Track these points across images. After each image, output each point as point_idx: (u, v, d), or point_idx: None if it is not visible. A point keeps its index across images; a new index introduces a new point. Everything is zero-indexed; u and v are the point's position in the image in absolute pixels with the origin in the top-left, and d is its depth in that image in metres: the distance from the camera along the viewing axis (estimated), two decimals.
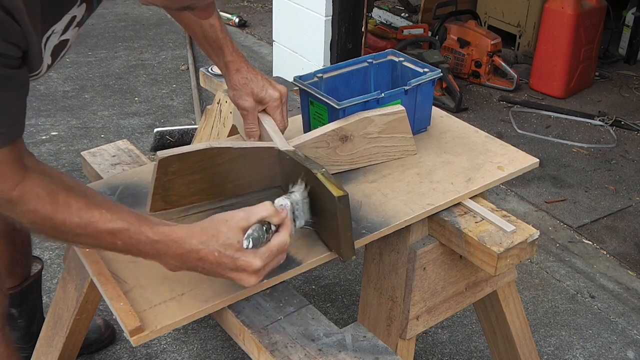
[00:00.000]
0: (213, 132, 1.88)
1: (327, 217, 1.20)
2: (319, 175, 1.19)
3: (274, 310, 1.15)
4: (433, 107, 1.62)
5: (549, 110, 3.76)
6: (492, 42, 3.92)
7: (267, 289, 1.19)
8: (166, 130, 3.05)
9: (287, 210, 1.14)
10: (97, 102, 3.58)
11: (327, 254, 1.23)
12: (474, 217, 1.37)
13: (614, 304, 2.37)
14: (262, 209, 1.08)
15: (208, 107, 1.91)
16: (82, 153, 1.68)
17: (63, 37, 1.14)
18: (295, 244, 1.25)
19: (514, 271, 1.59)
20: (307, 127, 1.56)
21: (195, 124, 3.24)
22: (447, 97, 3.71)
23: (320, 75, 1.55)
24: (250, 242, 1.06)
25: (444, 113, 1.72)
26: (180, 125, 3.17)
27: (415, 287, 1.38)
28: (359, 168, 1.47)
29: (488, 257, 1.29)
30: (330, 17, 3.27)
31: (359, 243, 1.26)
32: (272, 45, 3.84)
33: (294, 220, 1.18)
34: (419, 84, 1.52)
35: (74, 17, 1.13)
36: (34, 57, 1.03)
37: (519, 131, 3.53)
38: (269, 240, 1.08)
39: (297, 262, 1.21)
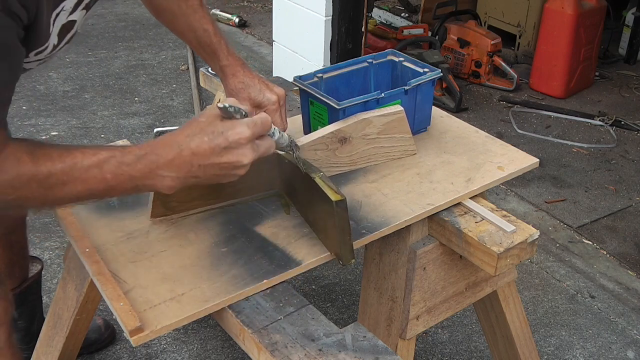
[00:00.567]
0: None
1: (326, 220, 1.20)
2: (317, 180, 1.19)
3: (274, 310, 1.15)
4: (433, 107, 1.62)
5: (549, 110, 3.76)
6: (492, 42, 3.92)
7: (267, 289, 1.19)
8: (166, 130, 3.04)
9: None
10: (97, 102, 3.58)
11: (327, 254, 1.23)
12: (474, 217, 1.37)
13: (614, 304, 2.37)
14: (231, 100, 1.07)
15: (208, 107, 1.90)
16: None
17: (71, 17, 1.14)
18: (296, 244, 1.25)
19: (514, 271, 1.60)
20: (307, 127, 1.56)
21: None
22: (447, 97, 3.71)
23: (320, 75, 1.55)
24: (230, 108, 1.02)
25: (444, 113, 1.72)
26: (180, 125, 3.17)
27: (415, 287, 1.38)
28: (358, 168, 1.47)
29: (488, 257, 1.29)
30: (330, 17, 3.27)
31: (358, 243, 1.26)
32: (272, 45, 3.84)
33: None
34: (419, 84, 1.52)
35: None
36: (42, 30, 1.01)
37: (519, 131, 3.53)
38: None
39: (297, 262, 1.21)
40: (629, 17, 4.46)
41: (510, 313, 1.66)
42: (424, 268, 1.38)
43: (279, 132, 1.17)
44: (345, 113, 1.43)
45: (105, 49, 4.26)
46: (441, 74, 1.59)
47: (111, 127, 3.35)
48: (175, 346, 2.09)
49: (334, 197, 1.15)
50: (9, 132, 1.04)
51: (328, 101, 1.44)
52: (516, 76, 3.95)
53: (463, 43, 4.03)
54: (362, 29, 3.33)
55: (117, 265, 1.19)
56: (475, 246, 1.31)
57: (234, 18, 4.81)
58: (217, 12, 4.92)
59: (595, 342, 2.21)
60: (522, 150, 1.56)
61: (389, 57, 1.64)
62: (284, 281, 1.20)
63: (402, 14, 4.82)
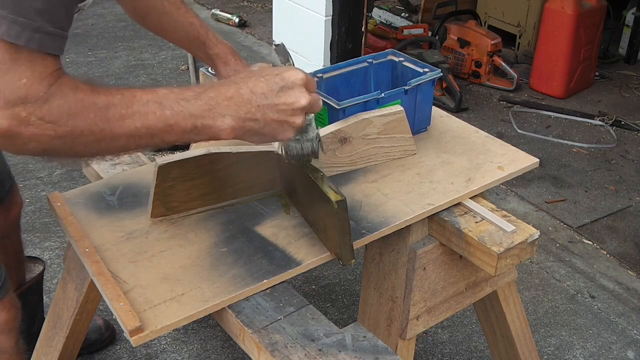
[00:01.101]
0: None
1: (326, 221, 1.20)
2: (317, 180, 1.19)
3: (274, 310, 1.15)
4: (433, 107, 1.62)
5: (549, 110, 3.76)
6: (492, 42, 3.92)
7: (267, 289, 1.19)
8: None
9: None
10: None
11: (327, 254, 1.23)
12: (474, 217, 1.37)
13: (614, 304, 2.37)
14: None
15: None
16: None
17: None
18: (296, 244, 1.25)
19: (514, 271, 1.59)
20: None
21: None
22: (447, 97, 3.71)
23: (320, 75, 1.55)
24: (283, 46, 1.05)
25: (444, 113, 1.72)
26: None
27: (415, 287, 1.38)
28: (358, 168, 1.47)
29: (488, 257, 1.29)
30: (330, 17, 3.27)
31: (358, 243, 1.26)
32: (272, 45, 3.84)
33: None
34: (419, 84, 1.52)
35: None
36: None
37: (519, 131, 3.53)
38: None
39: (297, 262, 1.21)
40: (629, 17, 4.46)
41: (510, 313, 1.66)
42: (424, 268, 1.38)
43: (313, 116, 1.16)
44: (345, 113, 1.43)
45: (105, 49, 4.26)
46: (441, 74, 1.59)
47: None
48: (175, 346, 2.09)
49: (334, 197, 1.15)
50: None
51: (328, 101, 1.44)
52: (516, 76, 3.95)
53: (463, 43, 4.03)
54: (362, 29, 3.33)
55: (117, 265, 1.19)
56: (475, 246, 1.31)
57: (234, 18, 4.81)
58: (217, 12, 4.92)
59: (595, 342, 2.21)
60: (522, 150, 1.56)
61: (389, 57, 1.64)
62: (284, 281, 1.20)
63: (402, 14, 4.82)
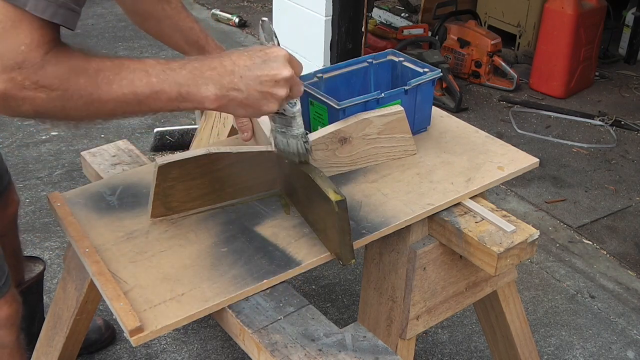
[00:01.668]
0: (213, 132, 1.87)
1: (326, 221, 1.20)
2: (317, 180, 1.19)
3: (274, 310, 1.15)
4: (433, 107, 1.62)
5: (549, 110, 3.76)
6: (492, 42, 3.92)
7: (267, 289, 1.19)
8: (166, 130, 3.06)
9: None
10: None
11: (327, 254, 1.23)
12: (474, 217, 1.37)
13: (614, 304, 2.37)
14: None
15: None
16: (82, 153, 1.68)
17: None
18: (296, 244, 1.25)
19: (514, 271, 1.60)
20: (307, 128, 1.56)
21: (195, 124, 3.24)
22: (447, 97, 3.71)
23: (320, 75, 1.55)
24: (269, 23, 1.12)
25: (444, 113, 1.72)
26: (180, 125, 3.17)
27: (415, 287, 1.38)
28: (358, 168, 1.47)
29: (488, 257, 1.29)
30: (330, 17, 3.27)
31: (358, 243, 1.26)
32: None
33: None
34: (419, 84, 1.52)
35: None
36: None
37: (519, 131, 3.53)
38: None
39: (297, 262, 1.21)
40: (629, 17, 4.46)
41: (510, 313, 1.66)
42: (424, 268, 1.38)
43: (299, 107, 1.19)
44: (345, 113, 1.43)
45: (105, 49, 4.26)
46: (441, 74, 1.59)
47: (111, 127, 3.35)
48: (175, 346, 2.09)
49: (334, 197, 1.15)
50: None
51: (328, 101, 1.44)
52: (516, 76, 3.95)
53: (463, 43, 4.03)
54: (362, 29, 3.33)
55: (117, 265, 1.19)
56: (475, 246, 1.31)
57: (234, 18, 4.81)
58: (217, 12, 4.92)
59: (595, 342, 2.21)
60: (522, 150, 1.56)
61: (389, 57, 1.64)
62: (284, 281, 1.20)
63: (402, 14, 4.82)
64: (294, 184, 1.33)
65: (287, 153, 1.25)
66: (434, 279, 1.41)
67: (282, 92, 1.09)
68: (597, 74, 4.21)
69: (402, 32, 4.08)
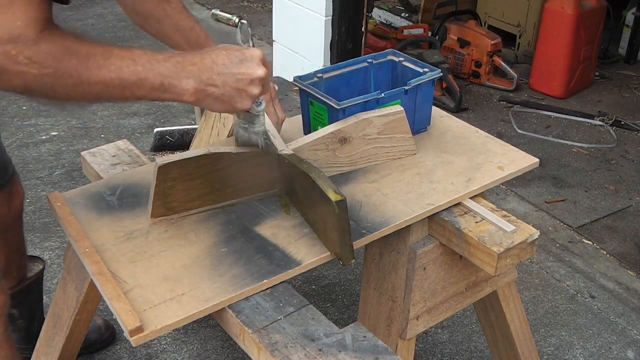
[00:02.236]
0: (213, 132, 1.87)
1: (326, 221, 1.20)
2: (317, 180, 1.19)
3: (274, 310, 1.15)
4: (433, 107, 1.62)
5: (549, 110, 3.76)
6: (492, 42, 3.92)
7: (267, 289, 1.19)
8: (166, 130, 3.05)
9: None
10: None
11: (327, 254, 1.23)
12: (474, 217, 1.37)
13: (614, 304, 2.37)
14: None
15: None
16: (82, 153, 1.68)
17: None
18: (296, 244, 1.25)
19: (514, 271, 1.60)
20: (307, 128, 1.56)
21: (195, 124, 3.24)
22: (447, 97, 3.71)
23: (320, 75, 1.55)
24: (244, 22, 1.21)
25: (444, 113, 1.72)
26: (180, 125, 3.17)
27: (415, 287, 1.38)
28: (358, 168, 1.47)
29: (488, 257, 1.29)
30: (330, 17, 3.27)
31: (358, 243, 1.26)
32: (272, 45, 3.84)
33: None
34: (419, 84, 1.52)
35: None
36: None
37: (519, 131, 3.53)
38: None
39: (297, 262, 1.21)
40: (629, 17, 4.46)
41: (510, 313, 1.66)
42: (424, 268, 1.38)
43: (264, 107, 1.26)
44: (345, 113, 1.43)
45: None
46: (441, 74, 1.59)
47: (111, 127, 3.35)
48: (175, 346, 2.09)
49: (334, 197, 1.15)
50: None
51: (328, 101, 1.44)
52: (516, 76, 3.95)
53: (463, 43, 4.03)
54: (362, 29, 3.33)
55: (117, 265, 1.19)
56: (475, 246, 1.31)
57: (234, 18, 4.81)
58: (217, 12, 4.92)
59: (595, 342, 2.21)
60: (522, 150, 1.56)
61: (389, 57, 1.64)
62: (284, 281, 1.20)
63: (402, 14, 4.82)
64: (294, 184, 1.33)
65: (249, 145, 1.32)
66: (434, 279, 1.41)
67: (255, 90, 1.16)
68: (597, 74, 4.21)
69: (402, 32, 4.08)
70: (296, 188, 1.32)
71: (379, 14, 4.62)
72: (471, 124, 1.67)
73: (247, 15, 5.02)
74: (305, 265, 1.21)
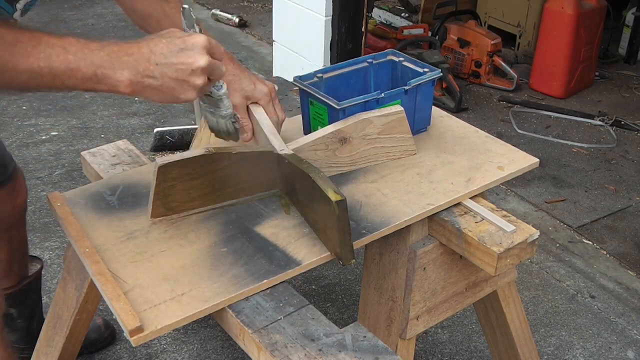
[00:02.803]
0: None
1: (326, 221, 1.20)
2: (317, 180, 1.19)
3: (274, 310, 1.15)
4: (433, 107, 1.62)
5: (549, 110, 3.76)
6: (492, 42, 3.92)
7: (267, 289, 1.19)
8: (166, 130, 3.05)
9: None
10: (97, 102, 3.58)
11: (327, 254, 1.23)
12: (474, 217, 1.37)
13: (614, 304, 2.37)
14: None
15: None
16: (82, 153, 1.68)
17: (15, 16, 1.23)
18: (296, 244, 1.25)
19: (514, 271, 1.60)
20: (307, 128, 1.56)
21: (195, 124, 3.24)
22: (447, 97, 3.71)
23: (320, 75, 1.55)
24: (190, 11, 1.13)
25: (444, 113, 1.72)
26: (180, 125, 3.17)
27: (415, 287, 1.38)
28: (358, 168, 1.47)
29: (488, 257, 1.29)
30: (330, 17, 3.27)
31: (358, 243, 1.26)
32: (272, 45, 3.84)
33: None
34: (419, 84, 1.52)
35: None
36: None
37: (519, 131, 3.53)
38: None
39: (297, 262, 1.21)
40: (629, 17, 4.46)
41: (510, 313, 1.66)
42: (424, 268, 1.38)
43: (226, 90, 1.23)
44: (345, 113, 1.43)
45: None
46: (441, 74, 1.59)
47: (111, 127, 3.35)
48: (175, 346, 2.09)
49: (334, 197, 1.15)
50: None
51: (328, 101, 1.44)
52: (516, 76, 3.95)
53: (463, 43, 4.03)
54: (362, 29, 3.33)
55: (117, 265, 1.19)
56: (475, 246, 1.31)
57: (234, 18, 4.81)
58: (217, 12, 4.92)
59: (595, 342, 2.21)
60: (522, 150, 1.56)
61: (389, 57, 1.64)
62: (284, 281, 1.20)
63: (402, 14, 4.82)
64: (294, 184, 1.33)
65: (218, 131, 1.31)
66: (434, 279, 1.41)
67: (198, 80, 1.09)
68: (597, 74, 4.21)
69: (402, 32, 4.08)
70: (296, 188, 1.32)
71: (379, 14, 4.62)
72: (471, 124, 1.67)
73: (247, 15, 5.02)
74: (305, 265, 1.21)
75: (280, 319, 1.14)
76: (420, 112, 1.57)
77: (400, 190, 1.40)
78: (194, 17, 1.16)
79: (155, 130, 3.05)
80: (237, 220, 1.32)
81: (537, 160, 1.54)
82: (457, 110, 3.64)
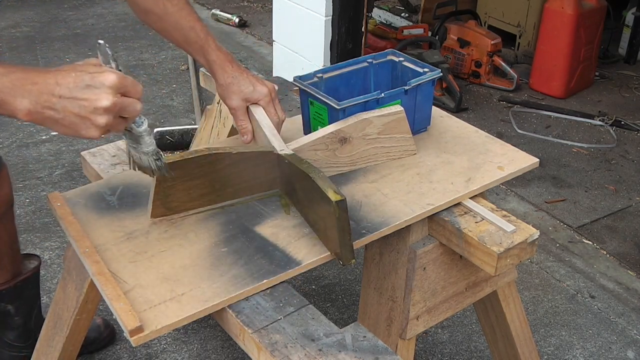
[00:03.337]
0: (213, 132, 1.88)
1: (326, 221, 1.20)
2: (317, 180, 1.19)
3: (274, 310, 1.15)
4: (433, 107, 1.62)
5: (549, 110, 3.76)
6: (492, 42, 3.92)
7: (267, 289, 1.19)
8: (166, 130, 3.05)
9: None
10: None
11: (327, 254, 1.23)
12: (474, 217, 1.37)
13: (614, 304, 2.38)
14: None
15: (208, 107, 1.91)
16: (82, 153, 1.68)
17: None
18: (296, 244, 1.25)
19: (514, 271, 1.60)
20: (307, 128, 1.56)
21: (195, 124, 3.24)
22: (447, 97, 3.71)
23: (320, 75, 1.55)
24: (106, 47, 1.08)
25: (444, 113, 1.72)
26: (180, 125, 3.17)
27: (415, 287, 1.38)
28: (358, 168, 1.47)
29: (488, 257, 1.29)
30: (330, 17, 3.27)
31: (358, 243, 1.26)
32: (272, 45, 3.84)
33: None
34: (419, 84, 1.52)
35: None
36: None
37: (519, 131, 3.53)
38: None
39: (297, 262, 1.21)
40: (629, 17, 4.46)
41: (510, 313, 1.66)
42: (424, 268, 1.38)
43: (146, 127, 1.17)
44: (345, 113, 1.43)
45: None
46: (441, 74, 1.59)
47: None
48: (175, 346, 2.09)
49: (334, 197, 1.15)
50: None
51: (328, 101, 1.44)
52: (516, 76, 3.95)
53: (463, 43, 4.03)
54: (362, 29, 3.33)
55: (117, 265, 1.19)
56: (475, 246, 1.31)
57: (234, 18, 4.81)
58: (217, 12, 4.92)
59: (595, 342, 2.21)
60: (522, 150, 1.56)
61: (389, 57, 1.64)
62: (284, 281, 1.20)
63: (402, 14, 4.82)
64: (294, 184, 1.33)
65: (140, 167, 1.23)
66: (434, 279, 1.41)
67: (101, 119, 1.05)
68: (597, 74, 4.21)
69: (402, 32, 4.08)
70: (296, 188, 1.32)
71: (379, 14, 4.62)
72: (471, 124, 1.67)
73: (247, 15, 5.02)
74: (305, 265, 1.21)
75: (280, 319, 1.14)
76: (420, 112, 1.57)
77: (400, 190, 1.40)
78: (109, 52, 1.11)
79: (155, 130, 3.05)
80: (237, 220, 1.32)
81: (537, 160, 1.54)
82: (457, 110, 3.64)
